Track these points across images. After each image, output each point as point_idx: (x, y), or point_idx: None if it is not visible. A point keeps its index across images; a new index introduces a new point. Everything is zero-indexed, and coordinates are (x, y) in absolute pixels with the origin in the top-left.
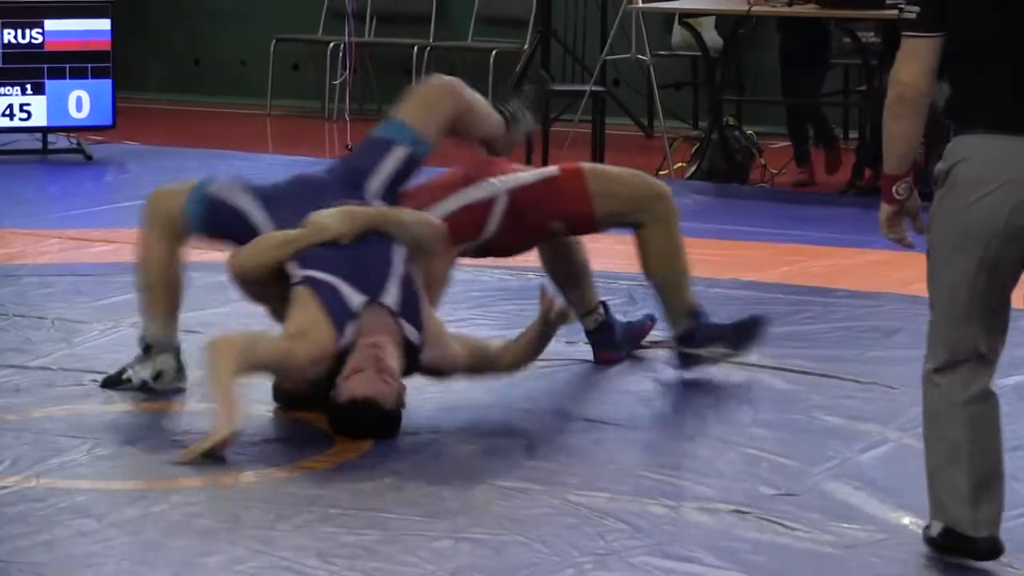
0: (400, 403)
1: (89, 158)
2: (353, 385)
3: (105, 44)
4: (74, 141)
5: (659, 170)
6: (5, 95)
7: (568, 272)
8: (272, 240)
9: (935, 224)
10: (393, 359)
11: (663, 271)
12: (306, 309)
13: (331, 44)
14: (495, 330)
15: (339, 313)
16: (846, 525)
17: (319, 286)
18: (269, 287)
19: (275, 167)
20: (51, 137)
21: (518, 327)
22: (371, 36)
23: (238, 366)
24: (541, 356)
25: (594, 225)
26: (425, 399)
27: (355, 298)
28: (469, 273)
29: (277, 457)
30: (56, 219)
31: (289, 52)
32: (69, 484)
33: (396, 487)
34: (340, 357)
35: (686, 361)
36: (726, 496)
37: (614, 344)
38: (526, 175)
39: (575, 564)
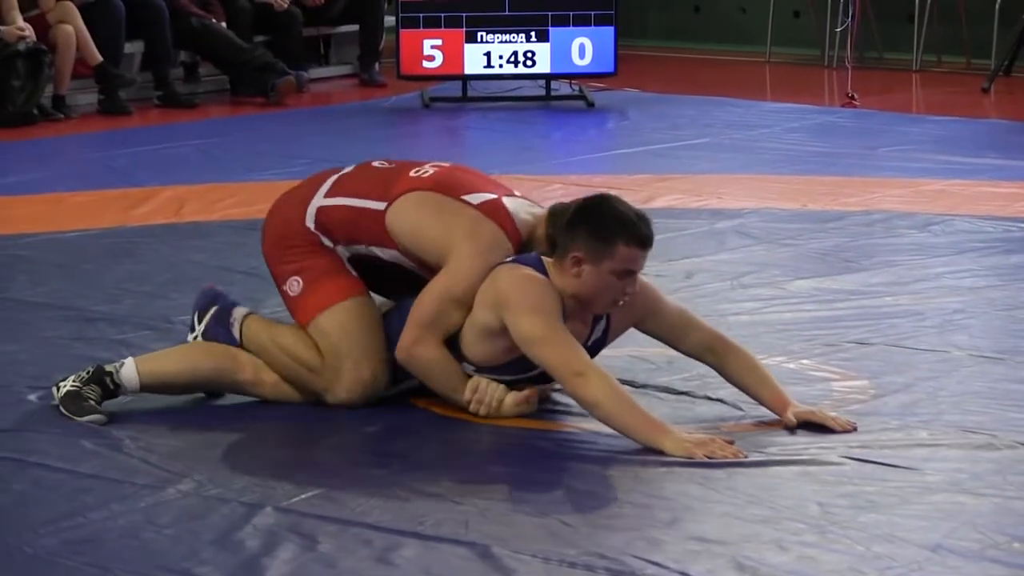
0: None
1: (591, 105)
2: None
3: None
4: (576, 88)
5: None
6: (510, 42)
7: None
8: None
9: None
10: None
11: None
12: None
13: None
14: (989, 279)
15: None
16: None
17: None
18: None
19: (773, 115)
20: (554, 84)
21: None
22: None
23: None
24: None
25: None
26: None
27: None
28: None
29: None
30: (559, 165)
31: None
32: None
33: None
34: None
35: None
36: None
37: None
38: None
39: None
